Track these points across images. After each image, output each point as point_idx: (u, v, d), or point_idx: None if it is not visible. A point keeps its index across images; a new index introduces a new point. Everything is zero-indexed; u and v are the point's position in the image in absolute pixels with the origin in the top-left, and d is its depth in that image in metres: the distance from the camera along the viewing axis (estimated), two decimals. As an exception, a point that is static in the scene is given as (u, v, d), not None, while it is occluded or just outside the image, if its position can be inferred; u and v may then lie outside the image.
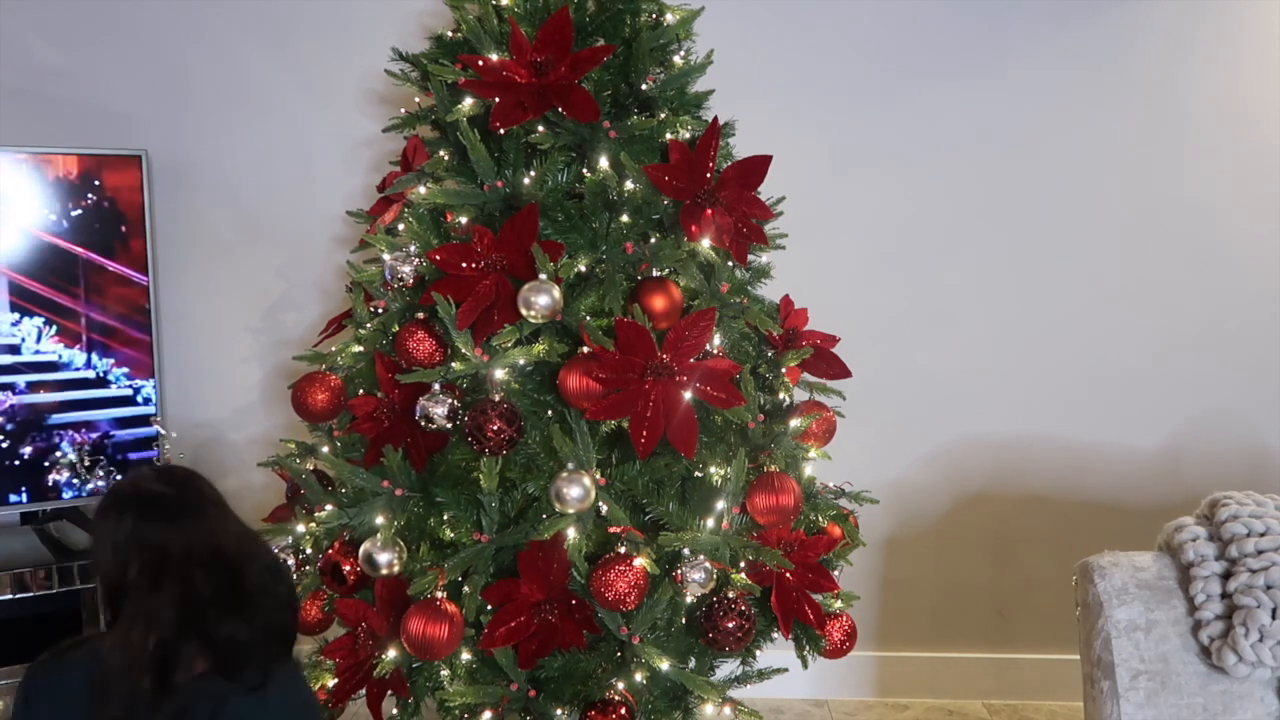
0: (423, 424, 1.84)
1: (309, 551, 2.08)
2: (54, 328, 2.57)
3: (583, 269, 1.89)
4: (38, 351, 2.57)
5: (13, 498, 2.58)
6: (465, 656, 1.88)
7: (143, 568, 1.33)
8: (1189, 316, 2.82)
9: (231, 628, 1.35)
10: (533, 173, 1.93)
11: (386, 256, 1.94)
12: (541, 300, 1.79)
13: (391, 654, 1.85)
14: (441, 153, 2.05)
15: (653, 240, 1.94)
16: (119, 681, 1.31)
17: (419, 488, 1.91)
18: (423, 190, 1.97)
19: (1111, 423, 2.85)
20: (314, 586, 2.07)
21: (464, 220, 1.91)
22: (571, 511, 1.77)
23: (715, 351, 1.91)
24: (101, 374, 2.62)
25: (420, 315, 1.92)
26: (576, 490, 1.76)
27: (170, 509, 1.37)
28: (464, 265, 1.84)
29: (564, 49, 1.89)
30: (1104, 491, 2.88)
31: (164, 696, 1.31)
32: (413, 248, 1.93)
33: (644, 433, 1.76)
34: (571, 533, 1.80)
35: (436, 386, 1.84)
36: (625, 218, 1.93)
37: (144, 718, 1.31)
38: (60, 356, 2.59)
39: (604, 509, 1.82)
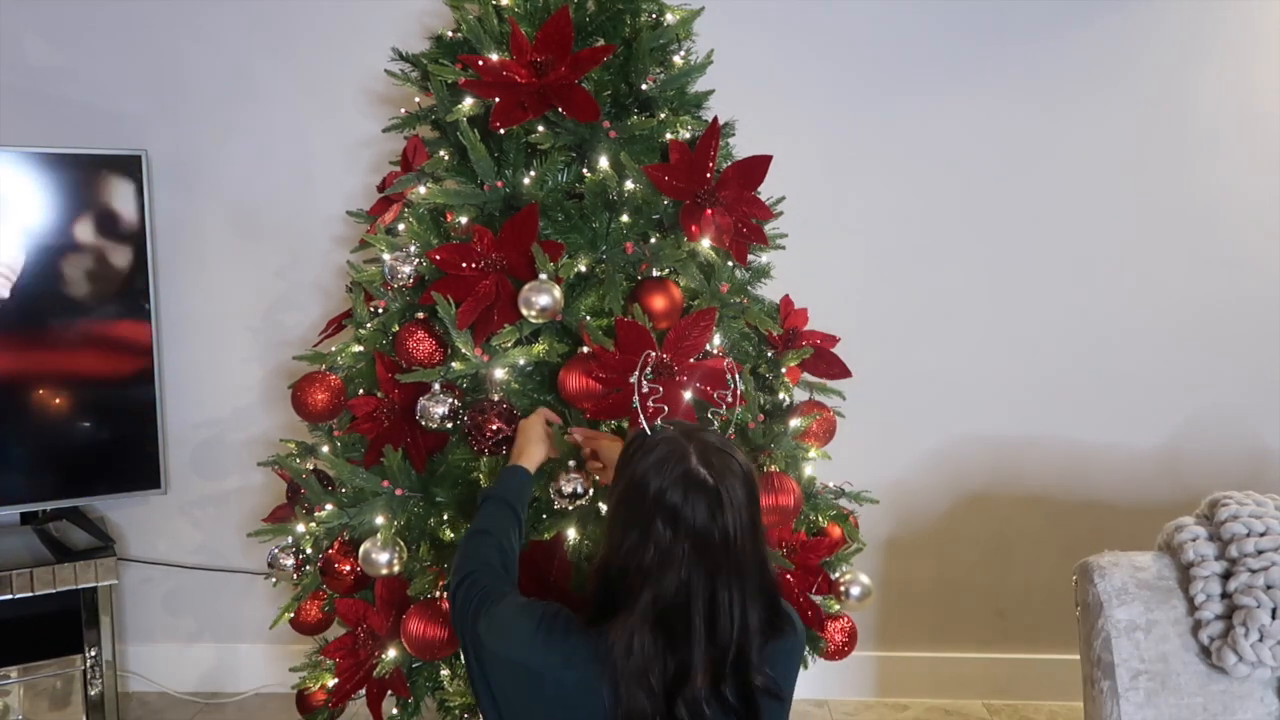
0: (423, 424, 1.84)
1: (309, 551, 2.07)
2: None
3: (583, 269, 1.89)
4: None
5: None
6: (465, 656, 1.88)
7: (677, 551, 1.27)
8: (1189, 316, 2.82)
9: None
10: (533, 173, 1.93)
11: (386, 256, 1.94)
12: (542, 300, 1.78)
13: (391, 654, 1.85)
14: (441, 153, 2.05)
15: (653, 240, 1.94)
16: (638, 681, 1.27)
17: (419, 488, 1.91)
18: (423, 190, 1.97)
19: (1111, 423, 2.86)
20: (314, 586, 2.06)
21: (464, 220, 1.91)
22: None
23: (715, 351, 1.91)
24: None
25: (420, 315, 1.92)
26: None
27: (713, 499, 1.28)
28: (464, 265, 1.84)
29: (564, 49, 1.89)
30: (1104, 491, 2.88)
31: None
32: (413, 248, 1.93)
33: (644, 433, 1.76)
34: (571, 533, 1.79)
35: (436, 386, 1.84)
36: (625, 218, 1.92)
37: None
38: None
39: (604, 509, 1.81)
